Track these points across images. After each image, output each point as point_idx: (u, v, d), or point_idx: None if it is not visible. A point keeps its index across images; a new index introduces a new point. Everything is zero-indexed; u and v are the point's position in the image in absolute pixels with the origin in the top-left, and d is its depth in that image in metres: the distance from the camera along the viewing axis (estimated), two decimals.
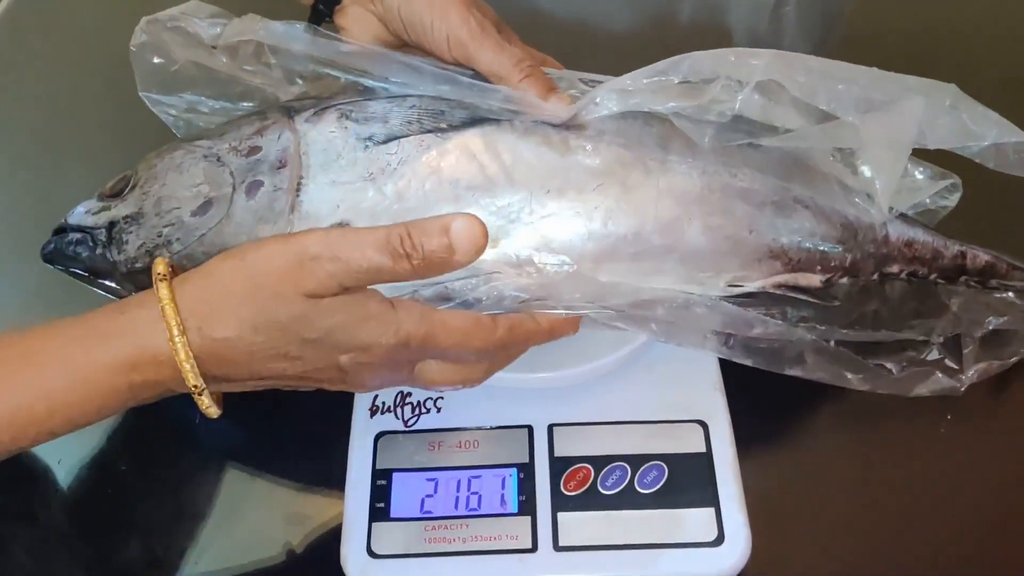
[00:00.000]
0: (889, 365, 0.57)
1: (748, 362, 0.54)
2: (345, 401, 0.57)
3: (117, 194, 0.56)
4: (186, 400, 0.46)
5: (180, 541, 0.55)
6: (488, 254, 0.52)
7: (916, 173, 0.60)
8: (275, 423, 0.59)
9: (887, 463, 0.57)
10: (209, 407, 0.47)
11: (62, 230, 0.56)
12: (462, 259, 0.45)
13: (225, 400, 0.49)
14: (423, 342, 0.47)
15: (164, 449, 0.59)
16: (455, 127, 0.55)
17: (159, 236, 0.54)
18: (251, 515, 0.56)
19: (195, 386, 0.45)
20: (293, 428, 0.59)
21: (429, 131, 0.55)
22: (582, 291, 0.52)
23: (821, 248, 0.57)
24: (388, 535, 0.52)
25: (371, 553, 0.51)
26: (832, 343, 0.55)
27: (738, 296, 0.56)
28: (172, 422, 0.59)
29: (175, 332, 0.44)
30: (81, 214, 0.56)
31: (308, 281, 0.44)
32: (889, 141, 0.56)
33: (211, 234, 0.53)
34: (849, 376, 0.55)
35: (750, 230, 0.55)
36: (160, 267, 0.46)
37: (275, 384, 0.48)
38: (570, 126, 0.55)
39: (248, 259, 0.46)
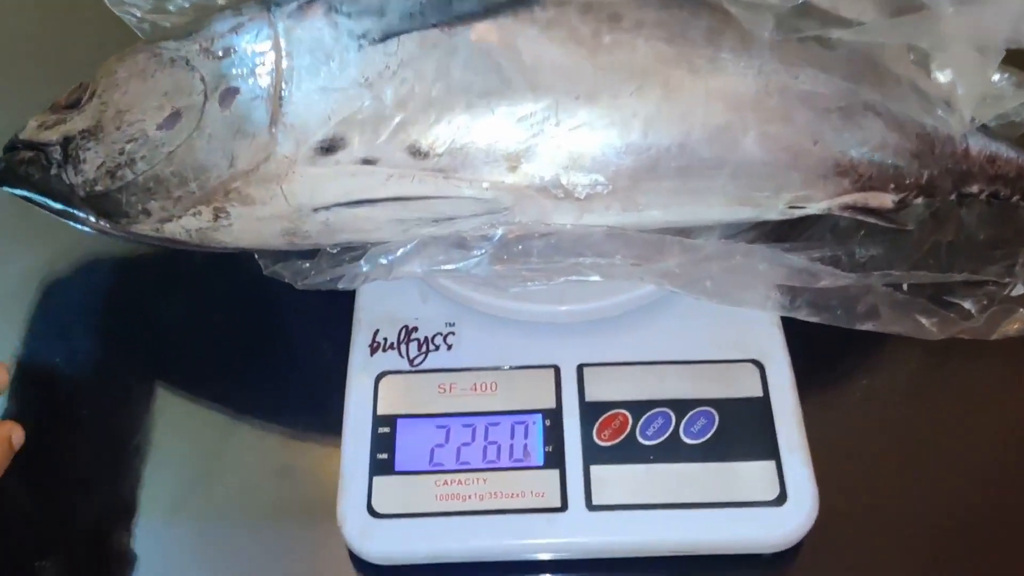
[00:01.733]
0: (967, 305, 0.49)
1: (816, 319, 0.47)
2: (341, 336, 0.49)
3: (73, 105, 0.48)
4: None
5: (158, 495, 0.48)
6: (507, 177, 0.44)
7: (1000, 79, 0.51)
8: (262, 362, 0.52)
9: (970, 407, 0.49)
10: None
11: (12, 147, 0.49)
12: None
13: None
14: None
15: (141, 394, 0.51)
16: (464, 20, 0.46)
17: (121, 154, 0.46)
18: (236, 467, 0.49)
19: None
20: (282, 368, 0.51)
21: (434, 25, 0.46)
22: (623, 251, 0.45)
23: (894, 162, 0.49)
24: (392, 491, 0.44)
25: (372, 512, 0.44)
26: (906, 287, 0.48)
27: (800, 219, 0.48)
28: (149, 363, 0.52)
29: None
30: (33, 128, 0.48)
31: None
32: (978, 39, 0.47)
33: (181, 151, 0.45)
34: (926, 324, 0.47)
35: (814, 140, 0.47)
36: None
37: None
38: (602, 17, 0.47)
39: None
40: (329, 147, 0.45)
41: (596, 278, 0.45)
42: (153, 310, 0.54)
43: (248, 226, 0.46)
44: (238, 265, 0.50)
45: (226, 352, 0.52)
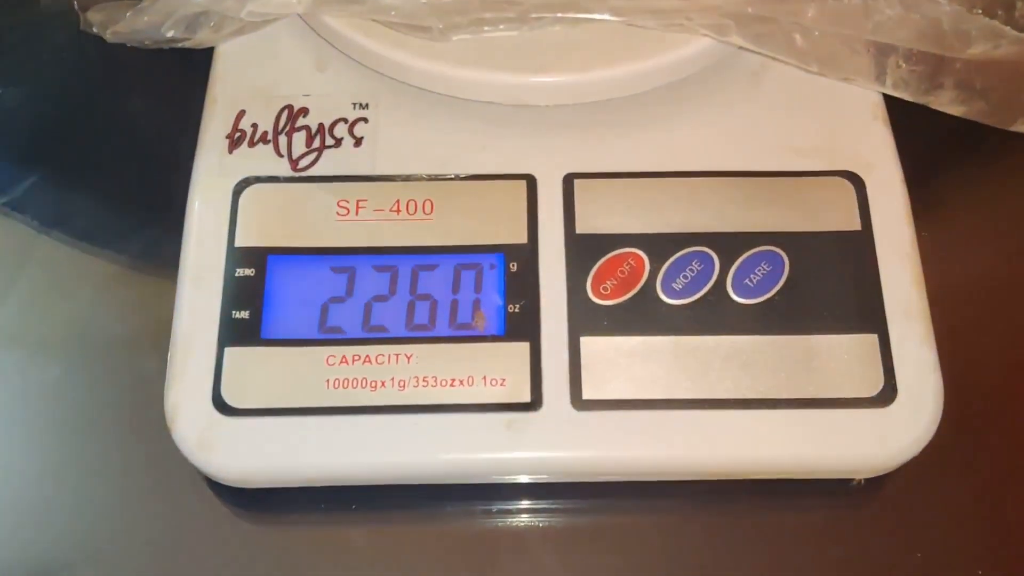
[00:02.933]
0: None
1: (961, 110, 0.29)
2: (189, 122, 0.31)
3: None
4: None
5: None
6: None
7: None
8: (75, 156, 0.34)
9: None
10: None
11: None
12: None
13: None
14: None
15: None
16: None
17: None
18: (19, 320, 0.31)
19: None
20: (102, 167, 0.34)
21: None
22: None
23: None
24: (256, 372, 0.27)
25: (221, 405, 0.27)
26: None
27: None
28: None
29: None
30: None
31: None
32: None
33: None
34: None
35: None
36: None
37: None
38: None
39: None
40: None
41: (607, 17, 0.27)
42: None
43: None
44: (55, 18, 0.36)
45: (26, 147, 0.34)
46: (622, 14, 0.27)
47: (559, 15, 0.27)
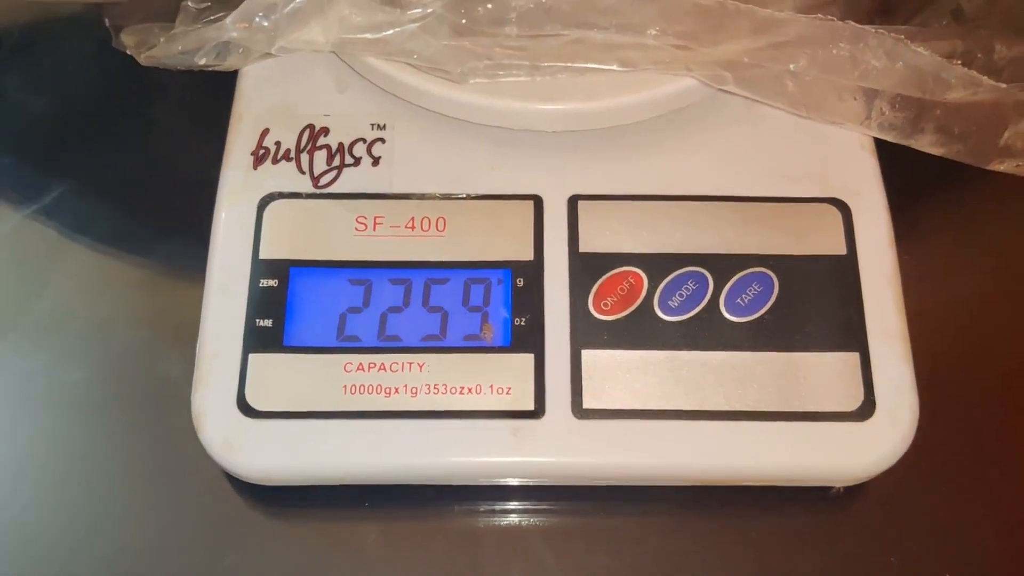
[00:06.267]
0: None
1: (940, 151, 0.31)
2: (216, 140, 0.32)
3: None
4: None
5: None
6: None
7: None
8: (104, 171, 0.36)
9: None
10: None
11: None
12: None
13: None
14: None
15: None
16: None
17: None
18: (59, 318, 0.33)
19: None
20: (130, 180, 0.35)
21: None
22: (662, 22, 0.29)
23: None
24: (278, 377, 0.29)
25: (245, 408, 0.29)
26: None
27: None
28: None
29: None
30: None
31: None
32: None
33: None
34: None
35: None
36: None
37: None
38: None
39: None
40: None
41: (614, 67, 0.29)
42: None
43: None
44: (82, 30, 0.38)
45: (57, 158, 0.36)
46: (628, 64, 0.29)
47: (573, 64, 0.29)
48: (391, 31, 0.28)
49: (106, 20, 0.33)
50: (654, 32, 0.28)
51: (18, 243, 0.35)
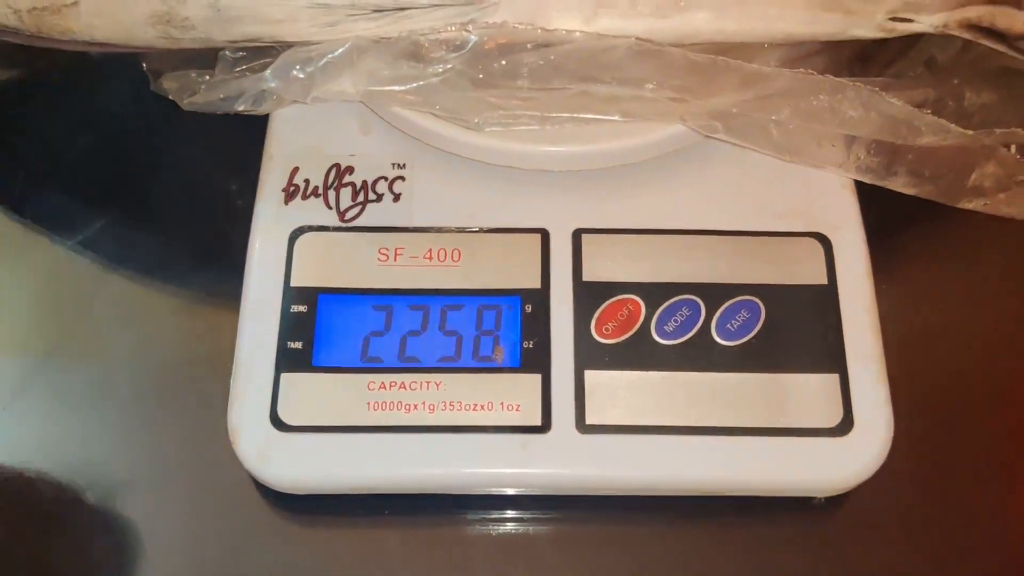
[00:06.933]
0: None
1: (913, 191, 0.34)
2: (250, 177, 0.35)
3: None
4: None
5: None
6: None
7: None
8: (142, 207, 0.39)
9: None
10: None
11: None
12: None
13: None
14: None
15: None
16: None
17: None
18: (103, 341, 0.36)
19: None
20: (168, 216, 0.38)
21: None
22: (658, 76, 0.31)
23: None
24: (307, 395, 0.32)
25: (277, 422, 0.31)
26: None
27: (874, 42, 0.34)
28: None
29: None
30: None
31: None
32: None
33: None
34: None
35: None
36: None
37: None
38: None
39: None
40: None
41: (616, 117, 0.32)
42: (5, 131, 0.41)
43: (102, 6, 0.32)
44: (120, 75, 0.40)
45: (98, 192, 0.39)
46: (628, 115, 0.32)
47: (579, 115, 0.32)
48: (416, 84, 0.31)
49: (143, 65, 0.36)
50: (651, 86, 0.31)
51: (62, 272, 0.38)
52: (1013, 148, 0.35)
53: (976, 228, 0.36)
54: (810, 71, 0.31)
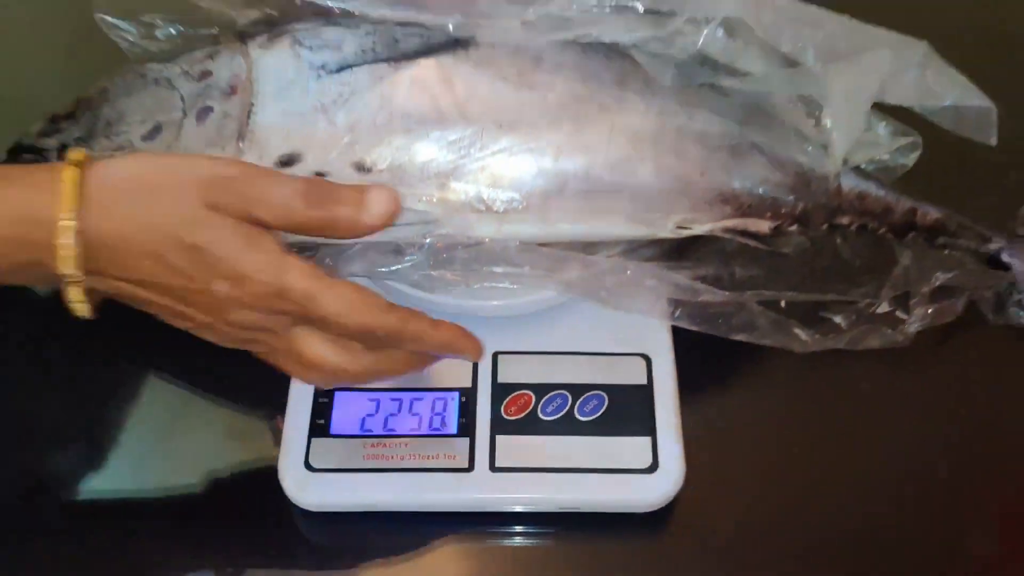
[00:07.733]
0: (837, 320, 0.57)
1: (696, 328, 0.54)
2: None
3: (69, 116, 0.56)
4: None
5: (115, 458, 0.56)
6: (437, 192, 0.52)
7: (878, 128, 0.59)
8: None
9: (827, 407, 0.57)
10: (78, 302, 0.44)
11: (16, 151, 0.56)
12: (370, 222, 0.46)
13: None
14: (304, 298, 0.44)
15: (94, 359, 0.59)
16: (409, 56, 0.55)
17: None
18: (190, 430, 0.57)
19: (68, 275, 0.43)
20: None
21: (383, 60, 0.54)
22: (532, 263, 0.53)
23: (772, 194, 0.57)
24: (326, 451, 0.52)
25: (309, 467, 0.52)
26: (784, 305, 0.56)
27: (686, 238, 0.56)
28: (102, 330, 0.52)
29: (64, 212, 0.42)
30: (35, 135, 0.55)
31: (213, 193, 0.43)
32: (850, 93, 0.55)
33: None
34: (800, 336, 0.55)
35: (701, 172, 0.55)
36: (76, 155, 0.44)
37: (147, 298, 0.46)
38: (527, 59, 0.55)
39: (168, 159, 0.46)
40: (287, 160, 0.53)
41: (508, 285, 0.53)
42: None
43: None
44: None
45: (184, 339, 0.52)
46: (517, 282, 0.53)
47: (487, 284, 0.54)
48: (396, 267, 0.53)
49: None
50: (528, 268, 0.53)
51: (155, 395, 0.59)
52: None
53: (746, 351, 0.57)
54: (623, 258, 0.53)
